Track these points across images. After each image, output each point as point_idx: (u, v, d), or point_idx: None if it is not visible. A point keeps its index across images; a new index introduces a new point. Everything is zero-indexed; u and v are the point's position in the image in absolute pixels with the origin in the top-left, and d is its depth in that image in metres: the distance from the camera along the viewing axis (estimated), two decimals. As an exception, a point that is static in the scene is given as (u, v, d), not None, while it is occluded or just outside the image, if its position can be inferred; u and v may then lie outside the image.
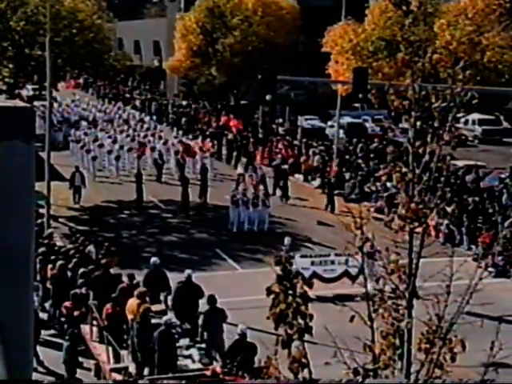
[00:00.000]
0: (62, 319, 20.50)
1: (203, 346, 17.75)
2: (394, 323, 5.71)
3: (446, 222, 30.29)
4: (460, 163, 38.57)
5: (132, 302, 17.38)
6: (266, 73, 30.74)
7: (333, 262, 24.12)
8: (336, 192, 36.19)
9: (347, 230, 6.01)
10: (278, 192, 36.65)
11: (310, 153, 42.37)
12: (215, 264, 27.66)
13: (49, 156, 28.83)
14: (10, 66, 41.03)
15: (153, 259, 21.98)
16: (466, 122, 51.17)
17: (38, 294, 21.65)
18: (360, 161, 40.99)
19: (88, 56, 41.18)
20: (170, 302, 20.48)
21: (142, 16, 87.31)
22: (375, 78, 37.68)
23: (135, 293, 17.76)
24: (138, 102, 65.21)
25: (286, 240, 24.91)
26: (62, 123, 51.69)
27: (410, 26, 6.02)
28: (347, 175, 38.52)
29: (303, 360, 5.33)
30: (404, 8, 6.07)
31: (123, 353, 17.14)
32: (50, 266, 21.76)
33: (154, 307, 18.86)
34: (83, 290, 19.83)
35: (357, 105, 54.49)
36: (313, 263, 24.31)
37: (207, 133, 49.35)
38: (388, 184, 34.94)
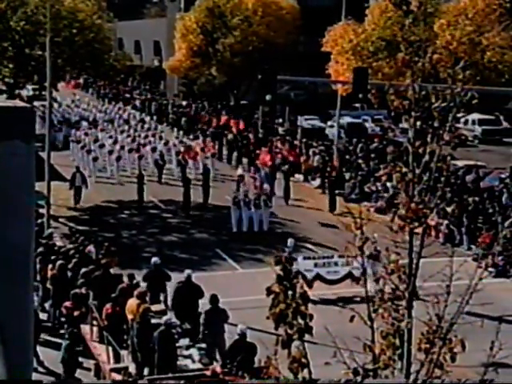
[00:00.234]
0: (62, 319, 20.51)
1: (203, 345, 17.75)
2: (394, 323, 5.71)
3: (445, 222, 30.30)
4: (460, 163, 38.57)
5: (132, 302, 17.38)
6: (266, 73, 30.75)
7: (336, 264, 23.97)
8: (336, 192, 36.19)
9: (347, 230, 6.02)
10: (278, 192, 36.59)
11: (310, 153, 42.36)
12: (215, 264, 27.66)
13: (49, 156, 28.82)
14: (10, 65, 41.03)
15: (153, 259, 22.02)
16: (466, 122, 51.16)
17: (37, 294, 21.65)
18: (360, 161, 41.00)
19: (88, 56, 41.18)
20: (169, 302, 20.49)
21: (142, 16, 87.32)
22: (375, 78, 37.69)
23: (135, 293, 17.77)
24: (137, 102, 65.23)
25: (289, 242, 24.78)
26: (63, 123, 51.66)
27: (410, 26, 6.02)
28: (347, 175, 38.51)
29: (303, 360, 5.33)
30: (404, 8, 6.07)
31: (123, 353, 17.14)
32: (50, 266, 21.76)
33: (154, 307, 18.87)
34: (83, 290, 19.83)
35: (357, 105, 54.53)
36: (316, 265, 24.17)
37: (207, 133, 49.39)
38: (388, 184, 34.95)
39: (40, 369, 18.67)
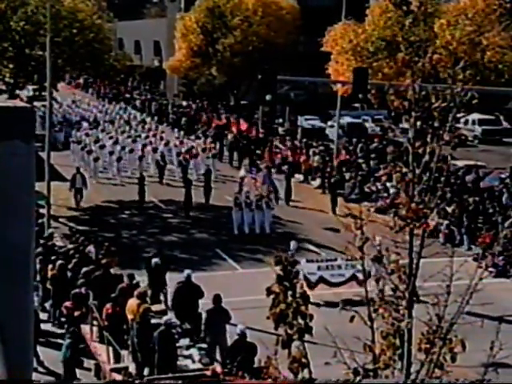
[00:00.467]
0: (62, 319, 20.51)
1: (203, 345, 17.75)
2: (394, 323, 5.71)
3: (445, 222, 30.31)
4: (460, 163, 38.57)
5: (132, 302, 17.38)
6: (266, 73, 30.73)
7: (340, 267, 23.79)
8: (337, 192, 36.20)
9: (347, 230, 6.02)
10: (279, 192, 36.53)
11: (310, 153, 42.37)
12: (215, 264, 27.66)
13: (49, 156, 28.81)
14: (10, 66, 41.03)
15: (154, 260, 22.07)
16: (466, 122, 51.15)
17: (37, 294, 21.66)
18: (360, 161, 41.00)
19: (88, 56, 41.18)
20: (169, 302, 20.50)
21: (142, 16, 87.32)
22: (375, 78, 37.66)
23: (135, 293, 17.76)
24: (138, 102, 65.23)
25: (292, 244, 24.66)
26: (63, 124, 51.63)
27: (410, 26, 6.02)
28: (347, 175, 38.50)
29: (303, 360, 5.33)
30: (404, 8, 6.07)
31: (123, 353, 17.14)
32: (50, 266, 21.76)
33: (154, 307, 18.88)
34: (83, 290, 19.83)
35: (357, 105, 54.52)
36: (319, 268, 24.00)
37: (208, 133, 49.40)
38: (388, 184, 34.95)
39: (40, 369, 18.68)
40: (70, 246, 24.37)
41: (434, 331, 5.65)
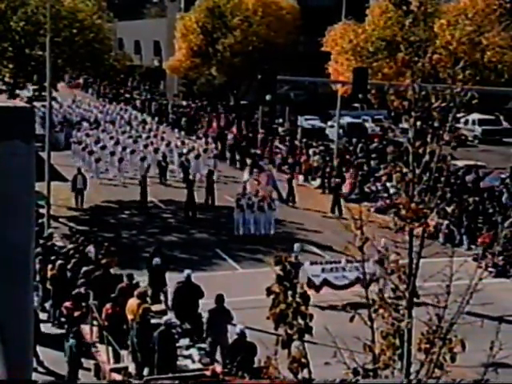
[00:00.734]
0: (62, 319, 20.51)
1: (203, 345, 17.76)
2: (394, 323, 5.71)
3: (445, 222, 30.31)
4: (460, 163, 38.57)
5: (132, 302, 17.38)
6: (266, 73, 30.73)
7: (344, 269, 23.47)
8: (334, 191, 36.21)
9: (347, 230, 6.02)
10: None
11: (310, 153, 42.37)
12: (215, 264, 27.66)
13: (49, 156, 28.80)
14: (10, 66, 41.01)
15: (155, 259, 22.07)
16: (466, 122, 51.17)
17: (37, 294, 21.65)
18: (360, 160, 41.00)
19: (88, 56, 41.15)
20: (170, 302, 20.50)
21: (142, 16, 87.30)
22: (375, 78, 37.66)
23: (135, 293, 17.77)
24: (137, 103, 65.21)
25: (296, 247, 24.60)
26: (64, 124, 51.58)
27: (410, 26, 6.02)
28: (347, 175, 38.48)
29: (303, 360, 5.33)
30: (404, 8, 6.07)
31: (123, 353, 17.14)
32: (49, 266, 21.76)
33: (154, 307, 18.87)
34: (83, 290, 19.83)
35: (357, 105, 54.53)
36: (323, 270, 23.83)
37: (208, 133, 49.40)
38: (388, 184, 34.95)
39: (40, 369, 18.69)
40: (70, 246, 24.37)
41: (434, 331, 5.65)
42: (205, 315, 18.65)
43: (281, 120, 56.38)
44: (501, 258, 25.88)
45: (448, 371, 5.65)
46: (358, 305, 6.23)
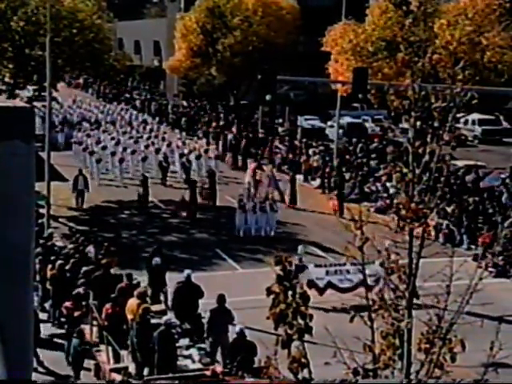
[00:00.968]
0: (62, 319, 20.52)
1: (203, 345, 17.76)
2: (394, 323, 5.71)
3: (445, 222, 30.31)
4: (460, 163, 38.57)
5: (132, 302, 17.38)
6: (266, 73, 30.73)
7: (348, 272, 23.27)
8: (336, 192, 36.20)
9: (347, 230, 6.02)
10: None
11: (310, 153, 42.37)
12: (215, 264, 27.66)
13: (49, 156, 28.80)
14: (10, 66, 41.00)
15: (155, 259, 22.06)
16: (466, 122, 51.18)
17: (37, 294, 21.65)
18: (360, 160, 41.00)
19: (88, 56, 41.13)
20: (170, 302, 20.49)
21: (142, 16, 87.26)
22: (375, 78, 37.67)
23: (135, 293, 17.77)
24: (137, 103, 65.20)
25: (300, 249, 24.55)
26: (64, 124, 51.53)
27: (410, 26, 6.02)
28: (347, 175, 38.50)
29: (303, 360, 5.33)
30: (404, 8, 6.07)
31: (123, 353, 17.14)
32: (49, 266, 21.76)
33: (154, 307, 18.87)
34: (82, 290, 19.83)
35: (357, 105, 54.54)
36: (327, 273, 23.68)
37: (208, 133, 49.39)
38: (388, 184, 34.95)
39: (40, 369, 18.69)
40: (71, 247, 24.37)
41: (434, 331, 5.65)
42: (205, 315, 18.65)
43: (281, 120, 56.38)
44: (501, 258, 25.88)
45: (448, 371, 5.65)
46: (358, 306, 6.23)
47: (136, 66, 74.25)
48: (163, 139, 44.98)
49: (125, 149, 41.83)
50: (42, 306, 22.13)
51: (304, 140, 46.29)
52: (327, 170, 38.83)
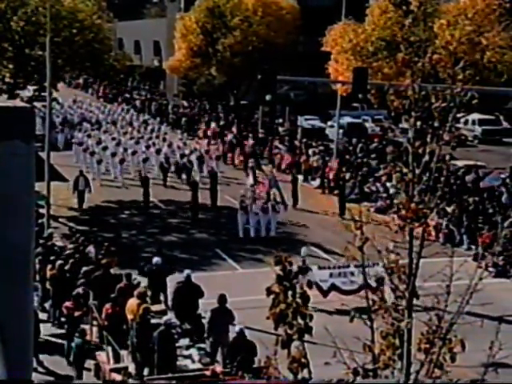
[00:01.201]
0: (62, 319, 20.51)
1: (203, 345, 17.77)
2: (394, 323, 5.71)
3: (445, 222, 30.31)
4: (460, 163, 38.57)
5: (132, 302, 17.39)
6: (266, 73, 30.74)
7: (352, 274, 22.91)
8: (336, 192, 36.21)
9: (347, 230, 6.02)
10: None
11: (310, 153, 42.36)
12: (215, 264, 27.65)
13: (49, 156, 28.79)
14: (10, 66, 41.01)
15: (155, 259, 22.03)
16: (466, 122, 51.17)
17: (37, 294, 21.64)
18: (360, 160, 41.00)
19: (88, 56, 41.14)
20: (170, 302, 20.49)
21: (142, 16, 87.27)
22: (375, 78, 37.68)
23: (135, 293, 17.77)
24: (137, 103, 65.19)
25: (303, 251, 24.48)
26: (64, 125, 51.48)
27: (410, 26, 6.02)
28: (347, 175, 38.49)
29: (303, 360, 5.33)
30: (404, 8, 6.07)
31: (123, 353, 17.15)
32: (49, 266, 21.76)
33: (154, 307, 18.88)
34: (81, 290, 19.82)
35: (357, 105, 54.54)
36: (331, 275, 23.52)
37: (208, 134, 49.37)
38: (388, 184, 34.95)
39: (40, 369, 18.69)
40: (71, 247, 24.36)
41: (434, 331, 5.65)
42: (205, 315, 18.65)
43: (281, 120, 56.38)
44: (501, 258, 25.89)
45: (448, 371, 5.65)
46: (359, 307, 6.23)
47: (136, 66, 74.27)
48: (164, 140, 44.93)
49: (125, 149, 41.77)
50: (42, 306, 22.12)
51: (304, 140, 46.28)
52: (327, 169, 38.82)
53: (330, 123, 52.17)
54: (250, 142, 45.21)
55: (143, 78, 79.00)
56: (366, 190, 36.77)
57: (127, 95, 70.59)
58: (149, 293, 20.08)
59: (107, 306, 17.86)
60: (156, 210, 35.37)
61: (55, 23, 35.95)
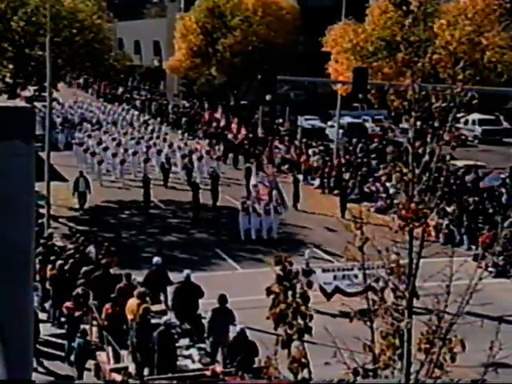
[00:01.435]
0: (62, 319, 20.51)
1: (203, 345, 17.76)
2: (394, 323, 5.71)
3: (445, 222, 30.31)
4: (460, 163, 38.57)
5: (132, 302, 17.38)
6: (266, 73, 30.75)
7: (356, 277, 22.50)
8: (336, 192, 36.21)
9: (347, 230, 6.02)
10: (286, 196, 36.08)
11: (310, 153, 42.36)
12: (215, 264, 27.65)
13: (49, 156, 28.79)
14: (10, 66, 41.01)
15: (155, 259, 21.99)
16: (466, 122, 51.18)
17: (37, 294, 21.65)
18: (360, 160, 41.00)
19: (88, 56, 41.14)
20: (170, 302, 20.47)
21: (142, 16, 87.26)
22: (375, 78, 37.68)
23: (135, 293, 17.76)
24: (137, 103, 65.18)
25: (307, 253, 24.34)
26: (65, 125, 51.44)
27: (410, 26, 6.02)
28: (347, 175, 38.49)
29: (303, 360, 5.33)
30: (404, 8, 6.07)
31: (123, 353, 17.14)
32: (49, 266, 21.76)
33: (154, 307, 18.86)
34: (81, 290, 19.82)
35: (357, 105, 54.54)
36: (335, 277, 23.45)
37: (208, 134, 49.37)
38: (388, 184, 34.95)
39: (40, 369, 18.69)
40: (71, 247, 24.36)
41: (434, 331, 5.65)
42: (205, 315, 18.65)
43: (281, 120, 56.39)
44: (501, 258, 25.89)
45: (448, 371, 5.65)
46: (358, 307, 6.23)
47: (136, 66, 74.26)
48: (164, 140, 44.86)
49: (126, 150, 41.72)
50: (42, 306, 22.13)
51: (304, 140, 46.27)
52: (327, 169, 38.82)
53: (330, 123, 52.19)
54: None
55: (143, 78, 78.99)
56: (366, 190, 36.77)
57: (127, 95, 70.57)
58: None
59: (107, 306, 17.86)
60: (156, 210, 35.37)
61: (55, 23, 35.96)
